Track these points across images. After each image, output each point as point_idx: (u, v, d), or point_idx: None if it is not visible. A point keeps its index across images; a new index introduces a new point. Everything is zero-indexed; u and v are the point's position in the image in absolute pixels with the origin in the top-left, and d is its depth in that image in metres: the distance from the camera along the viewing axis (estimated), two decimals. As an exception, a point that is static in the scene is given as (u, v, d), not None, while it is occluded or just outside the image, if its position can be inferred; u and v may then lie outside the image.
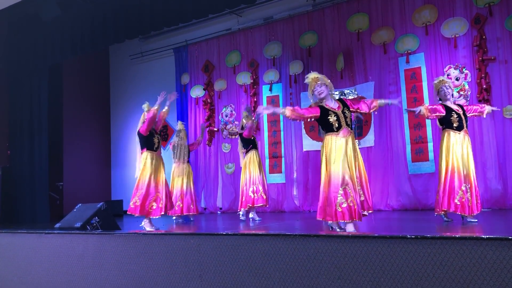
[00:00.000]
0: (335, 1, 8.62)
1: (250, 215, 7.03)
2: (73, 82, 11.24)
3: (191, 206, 7.47)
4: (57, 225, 5.64)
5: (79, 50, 8.92)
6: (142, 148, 5.91)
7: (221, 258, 3.64)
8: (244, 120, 7.27)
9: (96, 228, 5.26)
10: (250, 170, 6.99)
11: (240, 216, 7.07)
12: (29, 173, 9.51)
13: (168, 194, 5.97)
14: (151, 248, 4.11)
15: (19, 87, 9.75)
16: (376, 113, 5.15)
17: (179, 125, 7.88)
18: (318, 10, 8.86)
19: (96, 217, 5.35)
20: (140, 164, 5.86)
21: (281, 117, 9.11)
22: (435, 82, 5.33)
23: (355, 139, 4.50)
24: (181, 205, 7.40)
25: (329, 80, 4.55)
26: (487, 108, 5.34)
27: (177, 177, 7.55)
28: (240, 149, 7.25)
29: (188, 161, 7.75)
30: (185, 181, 7.51)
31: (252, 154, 7.05)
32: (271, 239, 3.42)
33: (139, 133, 5.92)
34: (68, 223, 5.53)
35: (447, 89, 5.16)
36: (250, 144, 7.11)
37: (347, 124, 4.37)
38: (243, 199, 6.97)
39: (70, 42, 8.94)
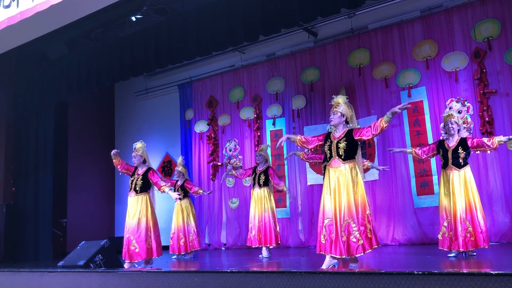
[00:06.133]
0: (336, 37, 8.78)
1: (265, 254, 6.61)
2: (78, 118, 11.35)
3: (190, 242, 7.36)
4: (60, 263, 5.61)
5: (85, 88, 9.06)
6: (149, 189, 6.01)
7: (226, 296, 3.58)
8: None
9: (100, 266, 5.23)
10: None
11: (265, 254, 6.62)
12: (33, 210, 9.48)
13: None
14: (154, 286, 4.05)
15: (25, 123, 9.85)
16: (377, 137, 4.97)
17: (179, 160, 7.86)
18: (319, 46, 9.02)
19: (100, 255, 5.33)
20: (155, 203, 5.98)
21: (285, 151, 9.13)
22: (444, 115, 5.45)
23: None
24: (181, 243, 7.32)
25: (350, 110, 4.57)
26: (496, 140, 5.00)
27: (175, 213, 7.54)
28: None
29: (189, 196, 7.66)
30: (182, 217, 7.44)
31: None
32: (276, 277, 3.38)
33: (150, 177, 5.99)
34: (72, 261, 5.50)
35: (451, 124, 5.20)
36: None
37: (338, 155, 4.36)
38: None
39: (76, 80, 9.08)
